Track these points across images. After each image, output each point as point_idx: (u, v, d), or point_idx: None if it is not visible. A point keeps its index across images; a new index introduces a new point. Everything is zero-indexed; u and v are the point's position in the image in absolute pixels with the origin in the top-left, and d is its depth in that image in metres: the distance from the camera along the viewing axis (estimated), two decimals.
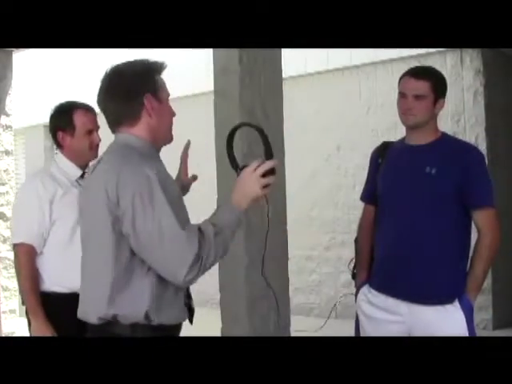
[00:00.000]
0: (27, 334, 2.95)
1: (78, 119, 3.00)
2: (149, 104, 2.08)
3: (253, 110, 3.76)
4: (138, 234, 1.93)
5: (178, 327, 2.14)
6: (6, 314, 6.34)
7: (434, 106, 2.78)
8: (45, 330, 2.83)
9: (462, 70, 6.54)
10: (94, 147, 3.02)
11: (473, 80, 6.48)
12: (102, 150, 2.91)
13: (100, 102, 2.16)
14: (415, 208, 2.73)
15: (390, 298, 2.76)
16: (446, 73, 6.61)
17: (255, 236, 3.73)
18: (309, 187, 7.58)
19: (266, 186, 2.06)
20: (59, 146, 3.06)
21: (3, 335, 6.17)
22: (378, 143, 3.06)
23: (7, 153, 6.45)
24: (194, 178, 2.65)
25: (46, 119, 3.22)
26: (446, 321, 2.67)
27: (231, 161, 2.15)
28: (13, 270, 6.46)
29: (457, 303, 2.67)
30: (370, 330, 2.85)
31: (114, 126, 2.14)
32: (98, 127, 3.05)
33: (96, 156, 2.99)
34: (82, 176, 3.00)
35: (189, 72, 8.39)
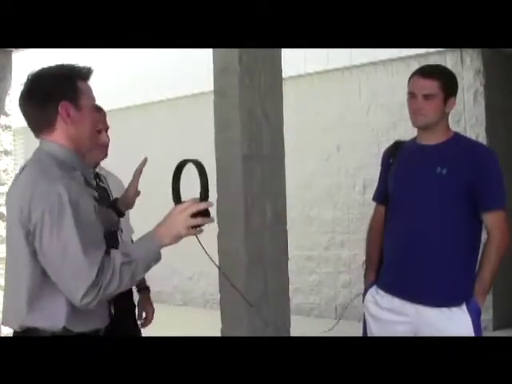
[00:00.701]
0: None
1: None
2: (64, 111, 2.04)
3: (253, 110, 3.75)
4: (44, 251, 1.95)
5: (99, 331, 2.14)
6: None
7: (445, 105, 2.74)
8: None
9: (462, 70, 6.54)
10: (102, 147, 3.04)
11: (473, 80, 6.48)
12: (110, 150, 3.06)
13: (19, 105, 2.13)
14: (425, 209, 2.71)
15: (397, 298, 2.75)
16: None
17: (255, 236, 3.73)
18: (309, 187, 7.58)
19: (195, 227, 2.01)
20: None
21: (2, 335, 6.16)
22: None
23: (6, 153, 6.44)
24: (138, 193, 2.64)
25: None
26: (452, 324, 2.64)
27: (174, 195, 2.12)
28: None
29: (464, 307, 2.65)
30: (376, 331, 2.84)
31: (35, 131, 2.12)
32: (107, 127, 3.07)
33: (105, 155, 3.04)
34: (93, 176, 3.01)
35: (189, 72, 8.39)
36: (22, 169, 2.10)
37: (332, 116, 7.33)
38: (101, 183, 3.08)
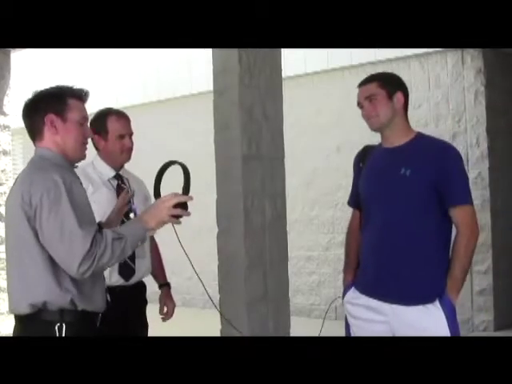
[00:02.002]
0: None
1: (111, 124, 3.21)
2: (49, 122, 2.36)
3: (252, 109, 3.74)
4: (43, 229, 2.22)
5: (97, 315, 2.39)
6: (3, 316, 6.32)
7: (391, 101, 2.79)
8: None
9: (462, 69, 6.53)
10: (125, 151, 3.22)
11: (474, 80, 6.46)
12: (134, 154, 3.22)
13: (21, 116, 2.45)
14: (393, 210, 2.75)
15: (373, 299, 2.79)
16: (446, 72, 6.64)
17: (255, 236, 3.72)
18: (309, 187, 7.57)
19: (175, 217, 2.31)
20: (96, 148, 3.27)
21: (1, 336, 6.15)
22: (378, 143, 3.05)
23: (5, 153, 6.43)
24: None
25: None
26: (427, 320, 2.68)
27: (156, 191, 2.45)
28: None
29: (437, 303, 2.67)
30: (356, 331, 2.88)
31: (31, 139, 2.44)
32: (131, 132, 3.25)
33: (129, 159, 3.27)
34: (115, 177, 3.24)
35: (188, 72, 8.37)
36: (23, 171, 2.39)
37: (332, 116, 7.31)
38: (123, 185, 3.23)
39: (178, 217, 2.31)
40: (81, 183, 2.39)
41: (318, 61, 7.24)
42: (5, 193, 6.44)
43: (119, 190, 3.19)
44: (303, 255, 7.64)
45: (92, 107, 3.48)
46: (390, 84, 2.83)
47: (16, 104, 7.37)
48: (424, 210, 2.71)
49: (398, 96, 2.81)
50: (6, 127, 6.45)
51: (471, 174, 6.46)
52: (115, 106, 3.53)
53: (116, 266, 3.05)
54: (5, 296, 6.41)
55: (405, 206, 2.72)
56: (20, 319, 2.31)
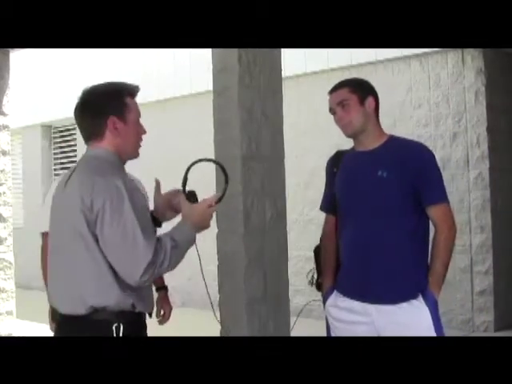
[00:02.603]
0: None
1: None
2: (111, 125, 2.33)
3: (252, 109, 3.74)
4: (104, 236, 2.18)
5: (145, 314, 2.41)
6: (2, 316, 6.32)
7: (363, 106, 2.83)
8: None
9: (463, 69, 6.52)
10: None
11: (474, 79, 6.45)
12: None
13: (74, 116, 2.43)
14: (372, 212, 2.79)
15: (357, 301, 2.82)
16: (447, 72, 6.63)
17: (255, 236, 3.71)
18: (309, 187, 7.56)
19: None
20: None
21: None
22: (350, 148, 3.07)
23: (4, 153, 6.42)
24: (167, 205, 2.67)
25: (43, 119, 3.27)
26: (412, 316, 2.73)
27: (183, 187, 2.45)
28: (10, 272, 6.46)
29: (420, 298, 2.73)
30: (338, 333, 2.90)
31: (86, 139, 2.40)
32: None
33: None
34: None
35: (187, 71, 8.36)
36: (72, 170, 2.35)
37: (332, 116, 7.29)
38: None
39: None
40: (138, 186, 2.36)
41: (317, 61, 7.24)
42: (4, 193, 6.43)
43: None
44: (303, 255, 7.62)
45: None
46: (360, 89, 2.86)
47: (15, 104, 7.38)
48: (403, 209, 2.76)
49: (370, 100, 2.85)
50: (5, 127, 6.43)
51: (471, 174, 6.46)
52: None
53: None
54: (4, 296, 6.40)
55: (384, 207, 2.77)
56: (73, 318, 2.26)
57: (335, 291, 2.92)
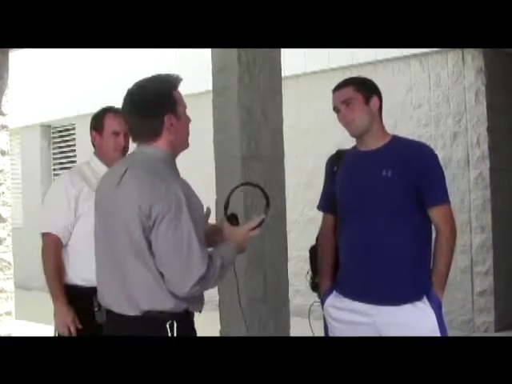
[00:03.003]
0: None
1: (108, 121, 3.24)
2: (169, 122, 2.28)
3: (252, 109, 3.72)
4: (159, 244, 2.15)
5: (194, 314, 2.37)
6: (1, 317, 6.30)
7: (368, 105, 2.81)
8: (66, 315, 3.03)
9: (463, 69, 6.50)
10: (118, 149, 3.21)
11: (474, 79, 6.44)
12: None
13: (124, 114, 2.37)
14: (374, 211, 2.77)
15: (358, 302, 2.79)
16: (447, 72, 6.62)
17: (254, 237, 3.70)
18: (308, 188, 7.54)
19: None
20: (93, 145, 3.32)
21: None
22: (350, 147, 3.05)
23: (3, 153, 6.40)
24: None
25: (42, 119, 3.28)
26: (416, 317, 2.71)
27: (225, 208, 2.49)
28: (9, 272, 6.45)
29: (425, 299, 2.71)
30: (338, 333, 2.87)
31: (137, 138, 2.34)
32: (126, 132, 3.19)
33: (120, 158, 3.15)
34: None
35: (187, 71, 8.35)
36: (125, 171, 2.27)
37: (332, 116, 7.22)
38: None
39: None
40: (196, 197, 2.28)
41: (318, 60, 7.23)
42: (3, 193, 6.41)
43: None
44: (303, 256, 7.58)
45: (90, 107, 3.47)
46: (365, 88, 2.84)
47: (14, 104, 7.36)
48: (406, 209, 2.75)
49: (374, 100, 2.83)
50: (4, 127, 6.42)
51: (472, 174, 6.45)
52: (115, 105, 3.52)
53: None
54: (4, 296, 6.39)
55: (388, 206, 2.75)
56: (125, 318, 2.25)
57: (334, 292, 2.89)
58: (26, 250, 8.56)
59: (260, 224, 2.42)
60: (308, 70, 7.48)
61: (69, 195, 3.12)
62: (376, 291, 2.75)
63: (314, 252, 3.09)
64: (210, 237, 2.47)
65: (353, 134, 2.88)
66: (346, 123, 2.85)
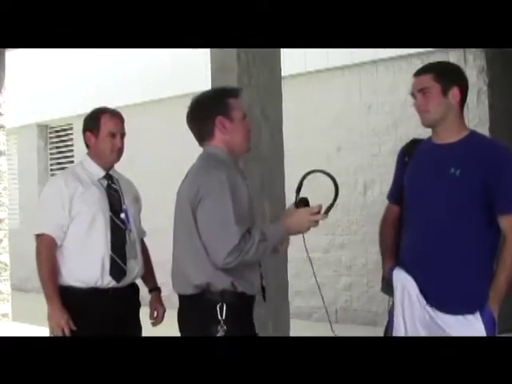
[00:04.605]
0: None
1: (104, 122, 3.21)
2: (220, 124, 2.61)
3: (251, 109, 3.69)
4: (200, 217, 2.49)
5: (253, 299, 2.65)
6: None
7: (446, 97, 2.64)
8: (61, 316, 3.01)
9: (465, 68, 6.46)
10: (115, 150, 3.20)
11: (476, 79, 6.41)
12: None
13: (187, 122, 2.72)
14: (439, 210, 2.63)
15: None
16: None
17: (318, 220, 3.67)
18: (308, 188, 7.50)
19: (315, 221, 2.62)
20: (87, 146, 3.28)
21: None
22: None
23: (0, 153, 6.37)
24: None
25: (39, 119, 3.27)
26: (465, 331, 2.56)
27: (297, 193, 2.75)
28: (6, 274, 6.41)
29: (478, 314, 2.57)
30: (400, 316, 2.71)
31: (199, 140, 2.70)
32: (123, 132, 3.23)
33: (118, 159, 3.24)
34: (105, 177, 3.22)
35: (186, 70, 8.32)
36: (191, 168, 2.67)
37: (332, 115, 7.26)
38: (113, 185, 3.24)
39: (316, 221, 2.60)
40: (245, 182, 2.62)
41: (318, 59, 7.19)
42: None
43: (109, 190, 3.20)
44: (303, 257, 7.56)
45: (88, 107, 3.42)
46: (446, 77, 2.66)
47: (10, 103, 7.33)
48: (470, 213, 2.59)
49: (454, 91, 2.65)
50: (0, 127, 6.39)
51: None
52: (111, 105, 3.49)
53: (107, 267, 3.07)
54: (0, 298, 6.36)
55: (450, 207, 2.61)
56: (185, 299, 2.57)
57: (397, 268, 2.72)
58: (23, 251, 8.52)
59: (327, 211, 2.61)
60: (308, 68, 7.45)
61: (63, 196, 3.11)
62: (428, 291, 2.61)
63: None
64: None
65: (424, 124, 2.73)
66: (420, 112, 2.70)
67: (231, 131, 2.63)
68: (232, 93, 2.70)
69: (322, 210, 2.62)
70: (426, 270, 2.63)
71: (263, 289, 2.74)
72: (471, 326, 2.56)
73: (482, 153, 2.61)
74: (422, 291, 2.63)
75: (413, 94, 2.73)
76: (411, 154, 2.79)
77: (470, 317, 2.57)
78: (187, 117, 2.72)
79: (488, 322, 2.57)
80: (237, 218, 2.45)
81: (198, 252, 2.50)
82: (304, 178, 2.74)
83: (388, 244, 2.85)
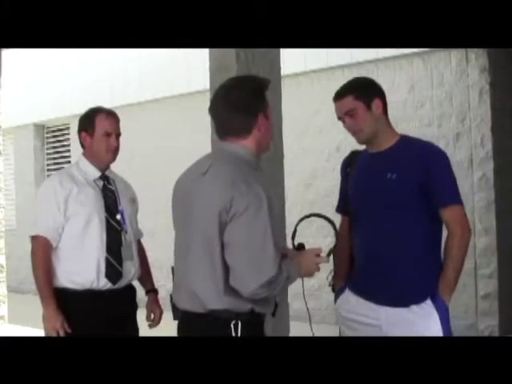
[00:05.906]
0: None
1: (99, 122, 3.20)
2: (262, 122, 2.36)
3: None
4: (233, 238, 2.18)
5: (265, 315, 2.42)
6: None
7: (371, 111, 2.78)
8: (56, 319, 3.01)
9: (467, 67, 6.47)
10: (110, 150, 3.19)
11: (478, 78, 6.39)
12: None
13: (214, 110, 2.42)
14: (382, 214, 2.77)
15: (368, 302, 2.81)
16: (450, 70, 6.54)
17: (322, 263, 3.66)
18: (308, 188, 7.49)
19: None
20: (82, 146, 3.28)
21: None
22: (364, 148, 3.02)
23: None
24: None
25: (36, 118, 3.24)
26: (422, 319, 2.69)
27: (292, 239, 2.63)
28: (2, 275, 6.36)
29: (429, 301, 2.69)
30: (349, 333, 2.91)
31: (223, 134, 2.39)
32: (118, 132, 3.24)
33: (113, 159, 3.22)
34: (101, 177, 3.22)
35: (185, 70, 8.29)
36: (209, 166, 2.32)
37: (332, 115, 7.14)
38: (109, 186, 3.24)
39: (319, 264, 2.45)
40: (275, 200, 2.34)
41: (318, 58, 7.20)
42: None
43: (105, 190, 3.19)
44: None
45: (85, 107, 3.38)
46: (365, 94, 2.81)
47: (7, 103, 7.27)
48: (412, 212, 2.73)
49: (376, 103, 2.80)
50: None
51: (475, 175, 6.39)
52: (110, 104, 3.46)
53: (103, 269, 3.06)
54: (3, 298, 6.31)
55: (393, 209, 2.75)
56: (192, 315, 2.31)
57: (347, 290, 2.92)
58: (19, 252, 8.47)
59: (328, 254, 2.53)
60: (308, 68, 7.45)
61: (58, 197, 3.11)
62: (384, 292, 2.76)
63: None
64: None
65: (360, 142, 2.88)
66: (353, 133, 2.85)
67: (265, 130, 2.39)
68: (267, 84, 2.45)
69: (322, 259, 2.48)
70: (377, 269, 2.77)
71: (276, 305, 2.54)
72: (426, 313, 2.68)
73: (414, 155, 2.75)
74: (374, 291, 2.78)
75: (340, 118, 2.87)
76: (352, 166, 2.96)
77: (423, 304, 2.69)
78: (217, 103, 2.41)
79: (441, 310, 2.68)
80: (275, 241, 2.20)
81: (217, 274, 2.23)
82: (298, 223, 2.63)
83: (340, 260, 2.98)
